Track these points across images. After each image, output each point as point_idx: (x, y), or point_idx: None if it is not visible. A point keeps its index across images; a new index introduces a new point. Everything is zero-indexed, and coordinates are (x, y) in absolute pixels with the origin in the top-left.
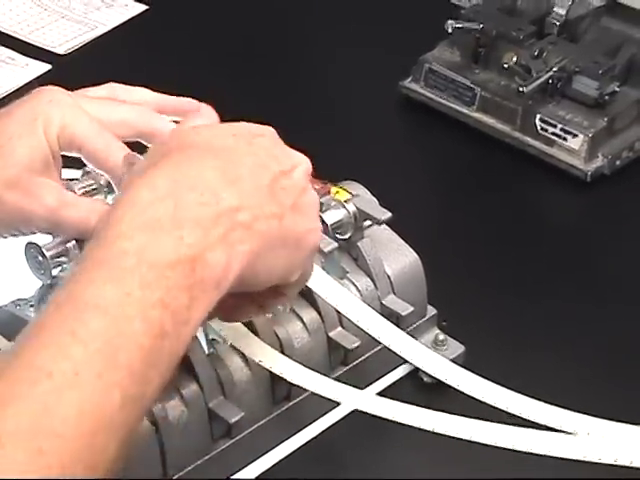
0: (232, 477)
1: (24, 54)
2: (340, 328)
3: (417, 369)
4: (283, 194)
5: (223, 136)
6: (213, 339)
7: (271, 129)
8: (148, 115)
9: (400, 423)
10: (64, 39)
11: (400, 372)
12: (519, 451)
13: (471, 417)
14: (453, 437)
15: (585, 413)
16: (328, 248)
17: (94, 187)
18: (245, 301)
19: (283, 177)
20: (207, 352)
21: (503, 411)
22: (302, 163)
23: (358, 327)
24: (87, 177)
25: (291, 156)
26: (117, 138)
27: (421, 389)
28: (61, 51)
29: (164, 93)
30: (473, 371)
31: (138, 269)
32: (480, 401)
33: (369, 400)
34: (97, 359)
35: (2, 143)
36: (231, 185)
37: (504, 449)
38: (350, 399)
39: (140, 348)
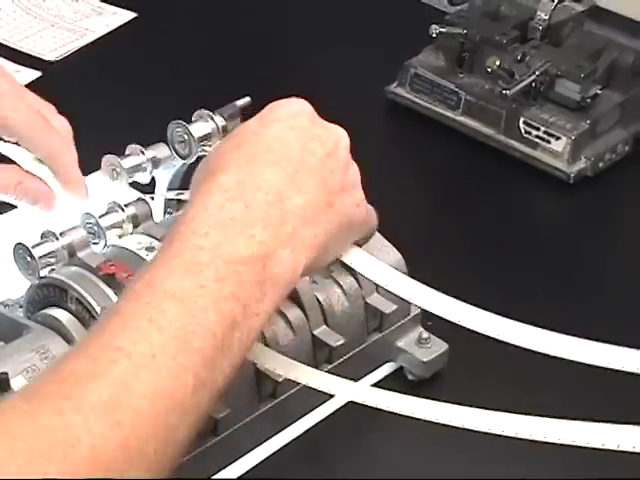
0: (215, 475)
1: (15, 61)
2: (324, 326)
3: (401, 367)
4: (332, 178)
5: (267, 125)
6: None
7: (302, 102)
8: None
9: (397, 414)
10: (54, 46)
11: (385, 370)
12: (516, 438)
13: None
14: (455, 427)
15: (567, 413)
16: None
17: (139, 163)
18: None
19: (329, 159)
20: None
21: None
22: (342, 137)
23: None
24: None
25: (330, 132)
26: None
27: (406, 387)
28: (51, 58)
29: (153, 99)
30: (457, 369)
31: (213, 264)
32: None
33: (365, 391)
34: (172, 344)
35: None
36: (291, 181)
37: (503, 437)
38: (344, 391)
39: (213, 336)
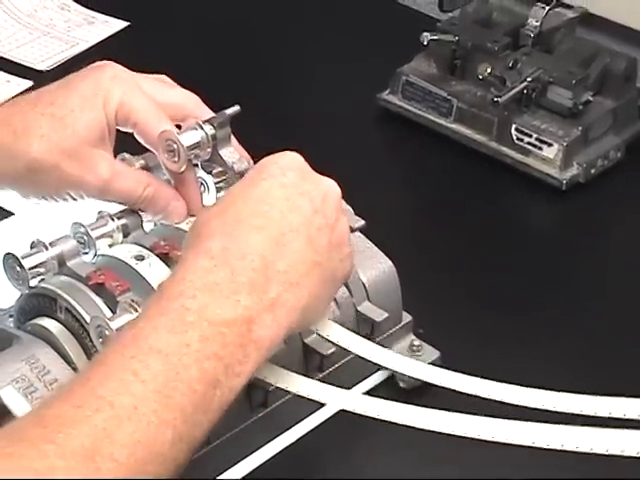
0: None
1: (6, 71)
2: (315, 334)
3: (393, 375)
4: (319, 236)
5: (256, 185)
6: None
7: (294, 155)
8: (195, 102)
9: (389, 422)
10: (46, 56)
11: (377, 378)
12: (510, 444)
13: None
14: (447, 435)
15: (560, 419)
16: None
17: None
18: None
19: (316, 216)
20: None
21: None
22: (332, 191)
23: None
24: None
25: (320, 186)
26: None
27: (398, 395)
28: (42, 68)
29: None
30: None
31: (199, 324)
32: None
33: (356, 400)
34: (154, 397)
35: (63, 114)
36: (276, 245)
37: (497, 443)
38: (336, 400)
39: (194, 393)
